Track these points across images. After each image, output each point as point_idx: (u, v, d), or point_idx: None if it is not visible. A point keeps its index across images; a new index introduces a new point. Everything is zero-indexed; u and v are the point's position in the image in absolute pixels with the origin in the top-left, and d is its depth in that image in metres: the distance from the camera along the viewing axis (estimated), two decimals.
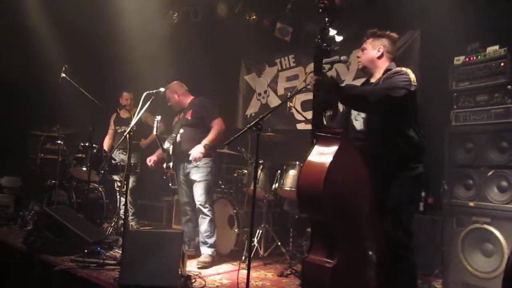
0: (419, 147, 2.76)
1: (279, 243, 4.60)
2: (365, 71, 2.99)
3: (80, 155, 5.21)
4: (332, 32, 2.57)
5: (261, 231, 4.64)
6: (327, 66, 2.67)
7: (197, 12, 6.43)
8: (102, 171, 5.18)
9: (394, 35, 2.96)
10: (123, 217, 4.62)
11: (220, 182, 5.43)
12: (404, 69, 2.77)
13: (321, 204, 2.40)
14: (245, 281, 2.89)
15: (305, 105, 5.76)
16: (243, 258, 4.29)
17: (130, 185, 5.02)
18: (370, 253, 2.59)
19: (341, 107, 2.80)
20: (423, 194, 4.15)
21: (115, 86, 6.34)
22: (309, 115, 4.32)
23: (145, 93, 4.14)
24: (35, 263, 3.93)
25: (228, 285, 3.69)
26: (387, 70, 2.83)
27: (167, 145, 4.57)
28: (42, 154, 6.19)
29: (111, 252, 4.13)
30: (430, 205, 4.21)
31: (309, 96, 5.54)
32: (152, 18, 6.55)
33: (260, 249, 4.65)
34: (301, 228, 4.68)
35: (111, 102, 6.06)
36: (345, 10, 2.63)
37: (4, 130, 6.33)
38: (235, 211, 4.76)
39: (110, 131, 6.05)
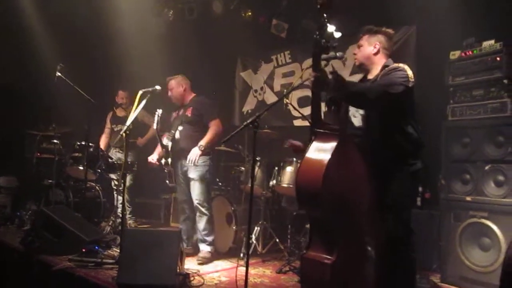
0: (418, 144, 2.77)
1: (277, 240, 4.61)
2: (362, 67, 2.99)
3: (76, 154, 5.19)
4: (331, 28, 2.55)
5: (259, 228, 4.64)
6: (323, 62, 2.66)
7: (192, 9, 6.42)
8: (99, 170, 5.17)
9: (390, 31, 2.96)
10: (120, 215, 4.61)
11: (218, 180, 5.42)
12: (401, 65, 2.77)
13: (319, 200, 2.40)
14: (244, 278, 2.89)
15: (301, 102, 5.76)
16: (241, 255, 4.28)
17: (127, 184, 5.01)
18: (369, 249, 2.59)
19: None
20: (420, 189, 4.16)
21: (110, 85, 6.32)
22: (305, 111, 4.31)
23: (140, 91, 4.09)
24: (33, 263, 3.92)
25: (227, 282, 3.69)
26: (384, 66, 2.83)
27: (166, 141, 4.55)
28: (39, 154, 6.14)
29: (109, 251, 4.13)
30: (427, 200, 4.22)
31: (306, 92, 5.61)
32: (147, 16, 6.53)
33: (258, 246, 4.66)
34: (299, 224, 4.68)
35: (107, 100, 6.04)
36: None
37: (0, 130, 6.29)
38: (233, 208, 4.76)
39: (107, 130, 6.03)
